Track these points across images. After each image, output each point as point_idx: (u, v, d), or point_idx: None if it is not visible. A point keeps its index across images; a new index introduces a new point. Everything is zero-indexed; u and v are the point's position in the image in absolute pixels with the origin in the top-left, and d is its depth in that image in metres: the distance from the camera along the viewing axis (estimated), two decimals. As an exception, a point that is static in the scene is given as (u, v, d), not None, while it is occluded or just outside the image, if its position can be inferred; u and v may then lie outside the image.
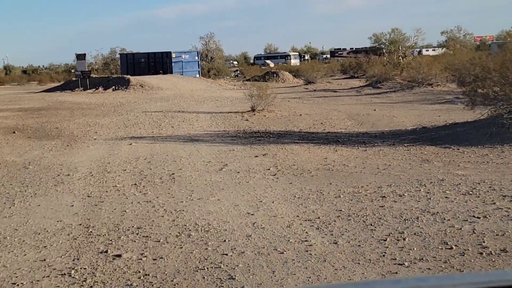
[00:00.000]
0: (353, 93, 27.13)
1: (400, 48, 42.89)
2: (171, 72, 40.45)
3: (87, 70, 38.68)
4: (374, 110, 19.09)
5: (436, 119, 15.99)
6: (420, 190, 8.10)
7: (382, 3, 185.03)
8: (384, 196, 7.81)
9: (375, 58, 47.85)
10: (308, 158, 10.94)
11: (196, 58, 42.52)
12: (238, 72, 60.61)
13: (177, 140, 14.07)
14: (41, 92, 37.91)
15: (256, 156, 11.32)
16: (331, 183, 8.78)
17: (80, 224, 7.17)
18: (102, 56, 74.74)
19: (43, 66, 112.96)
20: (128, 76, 37.12)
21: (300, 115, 18.47)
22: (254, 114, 18.67)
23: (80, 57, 38.70)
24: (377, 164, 10.06)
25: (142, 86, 35.73)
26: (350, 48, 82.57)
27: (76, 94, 32.92)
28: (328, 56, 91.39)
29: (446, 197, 7.65)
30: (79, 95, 32.13)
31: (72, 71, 59.27)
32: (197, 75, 41.76)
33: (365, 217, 6.90)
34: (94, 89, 36.91)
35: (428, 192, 7.93)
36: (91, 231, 6.85)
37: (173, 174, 9.98)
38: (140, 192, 8.77)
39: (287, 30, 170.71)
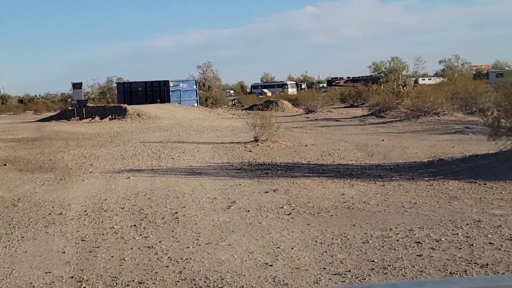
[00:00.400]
0: (357, 123, 26.26)
1: (400, 77, 42.22)
2: (169, 101, 39.61)
3: (83, 99, 37.80)
4: (383, 140, 18.17)
5: (451, 150, 15.06)
6: (457, 233, 7.11)
7: (377, 33, 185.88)
8: (419, 242, 6.82)
9: (373, 87, 47.29)
10: (323, 194, 9.96)
11: (194, 87, 41.75)
12: (236, 101, 59.91)
13: (178, 173, 13.08)
14: (36, 122, 36.98)
15: (266, 192, 10.33)
16: (354, 225, 7.79)
17: (72, 277, 6.14)
18: (99, 85, 74.11)
19: (39, 95, 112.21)
20: (125, 105, 36.26)
21: (306, 145, 17.54)
22: (258, 145, 17.74)
23: (76, 86, 37.86)
24: (401, 202, 9.09)
25: (139, 116, 34.84)
26: (347, 77, 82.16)
27: (72, 124, 31.96)
28: (325, 85, 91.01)
29: (490, 243, 6.67)
30: (75, 124, 31.16)
31: (69, 100, 58.36)
32: (195, 104, 40.93)
33: (403, 269, 5.90)
34: (90, 119, 35.99)
35: (467, 237, 6.95)
36: (84, 287, 5.82)
37: (176, 213, 8.98)
38: (140, 235, 7.76)
39: (283, 60, 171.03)
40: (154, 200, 10.02)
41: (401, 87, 41.45)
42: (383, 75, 42.75)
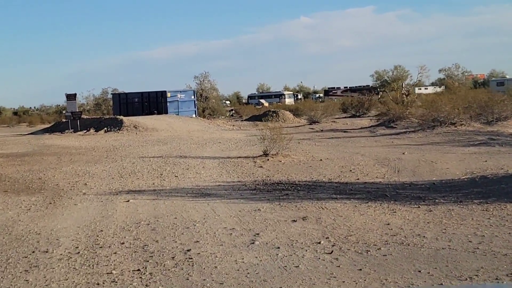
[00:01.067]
0: (367, 134, 24.54)
1: (403, 86, 40.62)
2: (166, 112, 37.83)
3: (77, 111, 35.97)
4: (403, 153, 16.44)
5: (485, 165, 13.35)
6: None
7: (372, 43, 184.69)
8: (520, 299, 5.06)
9: (376, 96, 45.68)
10: (364, 224, 8.19)
11: (192, 97, 39.97)
12: (233, 111, 58.24)
13: (184, 194, 11.30)
14: (29, 135, 35.08)
15: (294, 221, 8.55)
16: (419, 271, 6.02)
17: None
18: (94, 97, 72.29)
19: (34, 107, 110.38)
20: (121, 117, 34.46)
21: (321, 160, 15.78)
22: (268, 160, 15.98)
23: (70, 97, 36.03)
24: (464, 234, 7.34)
25: (136, 127, 33.05)
26: (344, 87, 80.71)
27: (66, 137, 30.11)
28: (321, 95, 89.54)
29: None
30: (69, 137, 29.32)
31: (63, 112, 56.41)
32: (194, 115, 39.16)
33: None
34: (85, 131, 34.15)
35: None
36: None
37: (188, 250, 7.20)
38: (146, 286, 5.97)
39: (278, 70, 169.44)
40: (160, 232, 8.23)
41: (404, 96, 39.88)
42: (386, 84, 41.07)
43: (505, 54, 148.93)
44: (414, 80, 41.13)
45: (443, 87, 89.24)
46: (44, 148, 21.86)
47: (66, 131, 35.46)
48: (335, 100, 76.01)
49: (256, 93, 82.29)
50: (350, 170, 13.74)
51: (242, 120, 41.51)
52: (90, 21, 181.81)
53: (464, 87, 51.60)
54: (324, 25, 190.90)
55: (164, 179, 13.34)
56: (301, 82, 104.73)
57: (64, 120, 37.60)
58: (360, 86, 78.22)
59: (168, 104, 38.07)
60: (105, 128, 33.82)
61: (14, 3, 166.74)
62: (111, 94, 45.95)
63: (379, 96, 46.38)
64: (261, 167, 14.89)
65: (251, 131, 31.71)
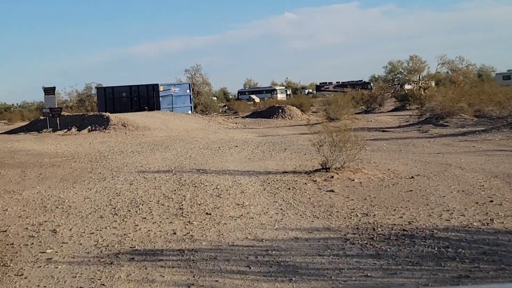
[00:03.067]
0: (416, 134, 18.93)
1: (420, 79, 35.14)
2: (159, 109, 31.83)
3: (57, 107, 29.80)
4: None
5: None
6: None
7: (356, 39, 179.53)
8: None
9: (389, 91, 40.19)
10: None
11: (188, 91, 33.97)
12: (226, 107, 52.37)
13: (245, 267, 5.52)
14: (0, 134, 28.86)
15: None
16: None
17: None
18: (77, 93, 65.90)
19: (17, 104, 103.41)
20: (107, 114, 28.46)
21: (412, 177, 10.08)
22: (333, 177, 10.23)
23: (49, 91, 29.85)
24: None
25: (124, 126, 27.07)
26: (337, 82, 75.23)
27: (42, 138, 24.02)
28: (311, 90, 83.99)
29: None
30: (45, 138, 23.24)
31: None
32: (189, 112, 33.24)
33: None
34: (65, 130, 28.06)
35: None
36: None
37: None
38: None
39: (263, 66, 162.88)
40: None
41: (422, 90, 34.41)
42: (400, 76, 35.60)
43: (490, 50, 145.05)
44: (432, 72, 35.48)
45: (434, 81, 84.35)
46: (8, 156, 15.82)
47: (44, 130, 29.32)
48: (328, 95, 70.59)
49: (246, 88, 76.44)
50: (490, 201, 8.06)
51: (243, 117, 35.64)
52: (74, 17, 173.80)
53: (469, 80, 46.25)
54: (309, 21, 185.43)
55: (189, 221, 7.48)
56: (287, 78, 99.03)
57: (42, 117, 31.44)
58: (353, 81, 72.89)
59: (160, 99, 32.05)
60: (89, 127, 27.82)
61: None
62: (96, 88, 39.62)
63: (393, 91, 40.86)
64: (332, 191, 9.14)
65: (260, 129, 25.95)
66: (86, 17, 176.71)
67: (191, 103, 34.08)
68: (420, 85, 34.27)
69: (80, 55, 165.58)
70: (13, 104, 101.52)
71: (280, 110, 32.73)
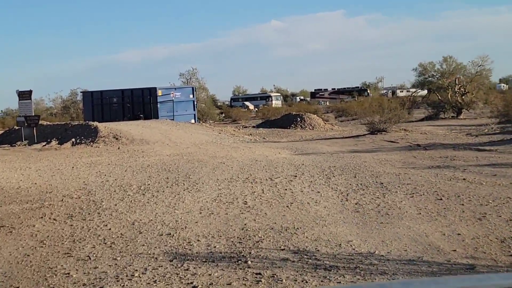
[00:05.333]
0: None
1: (457, 82, 29.28)
2: (157, 117, 25.40)
3: (33, 115, 23.29)
4: None
5: None
6: None
7: (342, 46, 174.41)
8: None
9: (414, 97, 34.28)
10: None
11: (191, 96, 27.45)
12: (224, 115, 46.11)
13: None
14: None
15: None
16: None
17: None
18: (62, 99, 58.92)
19: (1, 111, 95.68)
20: (95, 123, 22.10)
21: None
22: None
23: (24, 95, 23.32)
24: None
25: (117, 139, 20.76)
26: (332, 89, 69.36)
27: (11, 155, 17.58)
28: (302, 97, 78.04)
29: None
30: (15, 157, 16.82)
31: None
32: (193, 120, 26.86)
33: None
34: (44, 143, 21.64)
35: None
36: None
37: None
38: None
39: (250, 73, 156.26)
40: None
41: (459, 95, 28.56)
42: (434, 79, 29.81)
43: (473, 58, 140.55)
44: (471, 74, 29.61)
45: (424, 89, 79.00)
46: None
47: (19, 142, 22.81)
48: (323, 103, 64.75)
49: (240, 95, 70.07)
50: None
51: (253, 127, 29.30)
52: (58, 24, 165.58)
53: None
54: (295, 28, 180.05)
55: None
56: (274, 85, 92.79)
57: (16, 127, 24.85)
58: (349, 88, 67.16)
59: (159, 105, 25.59)
60: (73, 140, 21.47)
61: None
62: (81, 93, 32.81)
63: (424, 97, 34.98)
64: None
65: (286, 143, 19.77)
66: (71, 23, 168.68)
67: (194, 110, 27.63)
68: (457, 89, 28.45)
69: (64, 62, 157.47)
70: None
71: (299, 119, 26.59)
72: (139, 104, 26.43)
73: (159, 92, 25.56)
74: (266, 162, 13.34)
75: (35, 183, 10.29)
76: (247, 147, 18.29)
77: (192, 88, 27.92)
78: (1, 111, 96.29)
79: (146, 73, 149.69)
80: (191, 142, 20.39)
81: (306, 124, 26.12)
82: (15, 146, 22.26)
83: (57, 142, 21.69)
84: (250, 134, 23.86)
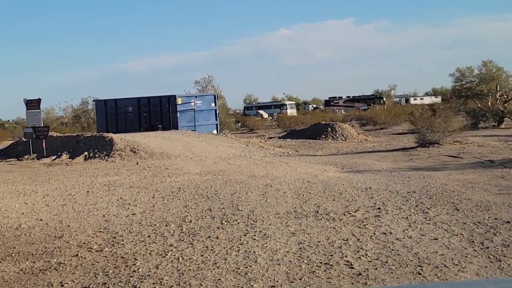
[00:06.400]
0: None
1: (498, 89, 26.56)
2: (176, 128, 22.81)
3: (43, 125, 20.79)
4: None
5: None
6: None
7: (350, 55, 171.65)
8: None
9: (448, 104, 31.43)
10: None
11: (213, 105, 24.81)
12: (239, 124, 43.54)
13: None
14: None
15: None
16: None
17: None
18: (72, 108, 56.56)
19: (12, 120, 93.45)
20: (110, 135, 19.57)
21: None
22: None
23: (32, 104, 20.85)
24: None
25: (134, 152, 18.21)
26: (347, 96, 66.70)
27: (16, 171, 15.05)
28: (315, 105, 75.42)
29: None
30: (20, 175, 14.30)
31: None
32: (215, 131, 24.27)
33: None
34: (54, 157, 19.16)
35: None
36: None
37: None
38: None
39: (259, 81, 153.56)
40: None
41: (501, 103, 25.84)
42: (472, 86, 27.09)
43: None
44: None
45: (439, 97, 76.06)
46: None
47: (26, 156, 20.32)
48: (338, 111, 62.09)
49: (253, 103, 67.51)
50: None
51: (280, 138, 26.61)
52: (69, 34, 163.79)
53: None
54: (304, 37, 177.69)
55: None
56: (284, 93, 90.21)
57: (24, 139, 22.35)
58: (365, 96, 64.50)
59: (178, 115, 23.00)
60: (86, 153, 18.95)
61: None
62: (94, 101, 30.10)
63: (461, 104, 32.22)
64: None
65: (326, 158, 17.16)
66: (80, 33, 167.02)
67: (216, 120, 25.01)
68: (498, 96, 25.75)
69: (74, 72, 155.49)
70: (8, 120, 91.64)
71: (329, 129, 23.96)
72: (156, 113, 23.86)
73: (179, 100, 22.96)
74: (321, 184, 10.73)
75: (41, 219, 7.69)
76: (283, 162, 15.66)
77: (214, 95, 25.26)
78: (12, 120, 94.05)
79: (155, 82, 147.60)
80: (218, 156, 17.80)
81: (337, 135, 23.49)
82: (22, 160, 19.78)
83: (68, 156, 19.19)
84: (280, 146, 21.23)
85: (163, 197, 9.70)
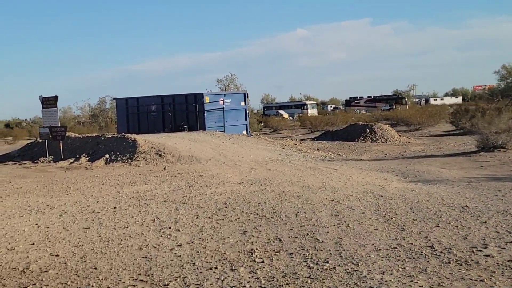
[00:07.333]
0: None
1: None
2: (203, 128, 20.69)
3: (60, 125, 18.80)
4: None
5: None
6: None
7: (366, 55, 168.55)
8: None
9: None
10: None
11: (243, 104, 22.63)
12: (262, 124, 41.38)
13: None
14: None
15: None
16: None
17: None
18: (90, 107, 54.79)
19: (29, 119, 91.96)
20: (133, 136, 17.51)
21: None
22: None
23: (48, 102, 18.84)
24: None
25: (160, 155, 16.12)
26: (368, 96, 64.28)
27: (29, 177, 13.02)
28: (334, 106, 73.05)
29: None
30: (34, 180, 12.27)
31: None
32: (244, 132, 22.11)
33: None
34: (71, 160, 17.18)
35: None
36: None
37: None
38: None
39: (274, 82, 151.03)
40: None
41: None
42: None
43: (498, 67, 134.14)
44: None
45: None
46: None
47: (41, 159, 18.34)
48: (359, 111, 59.71)
49: (273, 103, 65.26)
50: None
51: (313, 139, 24.36)
52: (82, 34, 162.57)
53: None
54: (320, 37, 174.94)
55: None
56: (300, 93, 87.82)
57: (39, 140, 20.36)
58: (386, 96, 62.07)
59: (206, 114, 20.87)
60: (106, 156, 16.92)
61: (12, 15, 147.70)
62: (114, 99, 27.91)
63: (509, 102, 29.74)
64: None
65: (369, 162, 14.96)
66: (95, 33, 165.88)
67: (246, 120, 22.81)
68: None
69: (90, 72, 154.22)
70: (25, 119, 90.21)
71: (368, 131, 21.72)
72: (182, 112, 21.74)
73: (206, 99, 20.82)
74: (399, 200, 8.55)
75: (57, 255, 5.57)
76: (330, 168, 13.45)
77: (244, 93, 23.00)
78: (29, 119, 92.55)
79: (171, 82, 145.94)
80: (253, 160, 15.65)
81: (377, 137, 21.24)
82: (37, 163, 17.81)
83: (87, 158, 17.19)
84: (318, 149, 19.01)
85: (209, 217, 7.56)
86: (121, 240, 6.27)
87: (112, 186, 11.13)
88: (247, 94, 22.85)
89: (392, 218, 7.15)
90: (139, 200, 9.16)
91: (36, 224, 7.17)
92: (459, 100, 74.01)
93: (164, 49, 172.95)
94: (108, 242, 6.16)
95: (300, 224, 6.93)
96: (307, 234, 6.38)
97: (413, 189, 9.77)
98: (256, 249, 5.71)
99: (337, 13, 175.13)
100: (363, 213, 7.60)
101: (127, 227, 6.99)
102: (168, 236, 6.44)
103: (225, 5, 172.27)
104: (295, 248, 5.73)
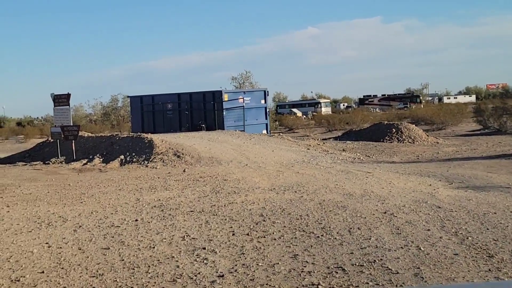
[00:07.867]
0: None
1: None
2: (222, 127, 19.52)
3: (72, 124, 17.72)
4: None
5: None
6: None
7: (378, 53, 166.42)
8: None
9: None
10: None
11: (263, 102, 21.40)
12: (276, 122, 40.16)
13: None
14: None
15: None
16: None
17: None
18: (101, 105, 53.85)
19: (41, 117, 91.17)
20: (150, 136, 16.41)
21: None
22: None
23: (60, 100, 17.76)
24: None
25: (178, 157, 15.01)
26: (382, 95, 62.85)
27: (40, 180, 11.92)
28: (346, 104, 71.66)
29: None
30: (45, 184, 11.16)
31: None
32: (264, 131, 20.91)
33: None
34: (84, 161, 16.09)
35: None
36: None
37: None
38: None
39: (286, 80, 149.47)
40: None
41: None
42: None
43: (510, 65, 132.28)
44: None
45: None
46: None
47: (53, 159, 17.27)
48: (373, 110, 58.34)
49: (286, 101, 63.99)
50: None
51: (335, 139, 23.11)
52: (93, 32, 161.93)
53: None
54: (331, 35, 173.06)
55: None
56: (312, 92, 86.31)
57: (51, 140, 19.30)
58: (400, 94, 60.64)
59: (225, 113, 19.68)
60: (121, 157, 15.81)
61: (23, 12, 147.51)
62: (129, 97, 26.68)
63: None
64: None
65: (402, 164, 13.76)
66: (108, 31, 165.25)
67: (266, 118, 21.59)
68: None
69: (100, 70, 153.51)
70: (37, 117, 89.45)
71: (394, 130, 20.46)
72: (199, 111, 20.57)
73: (225, 97, 19.64)
74: (463, 213, 7.36)
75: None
76: (363, 171, 12.25)
77: (264, 91, 21.77)
78: (41, 117, 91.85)
79: (182, 80, 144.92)
80: (278, 162, 14.48)
81: (404, 137, 19.98)
82: (48, 164, 16.74)
83: (101, 159, 16.10)
84: (344, 150, 17.78)
85: (247, 233, 6.41)
86: (149, 266, 5.12)
87: (130, 192, 10.01)
88: (267, 91, 21.66)
89: (468, 238, 5.95)
90: (162, 211, 8.02)
91: (47, 243, 6.04)
92: (472, 98, 72.45)
93: (177, 47, 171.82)
94: (134, 270, 5.01)
95: (360, 246, 5.74)
96: (374, 261, 5.19)
97: (469, 198, 8.56)
98: (319, 284, 4.52)
99: (348, 11, 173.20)
100: (429, 230, 6.41)
101: (154, 247, 5.84)
102: (205, 261, 5.29)
103: (236, 3, 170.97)
104: (367, 283, 4.55)
